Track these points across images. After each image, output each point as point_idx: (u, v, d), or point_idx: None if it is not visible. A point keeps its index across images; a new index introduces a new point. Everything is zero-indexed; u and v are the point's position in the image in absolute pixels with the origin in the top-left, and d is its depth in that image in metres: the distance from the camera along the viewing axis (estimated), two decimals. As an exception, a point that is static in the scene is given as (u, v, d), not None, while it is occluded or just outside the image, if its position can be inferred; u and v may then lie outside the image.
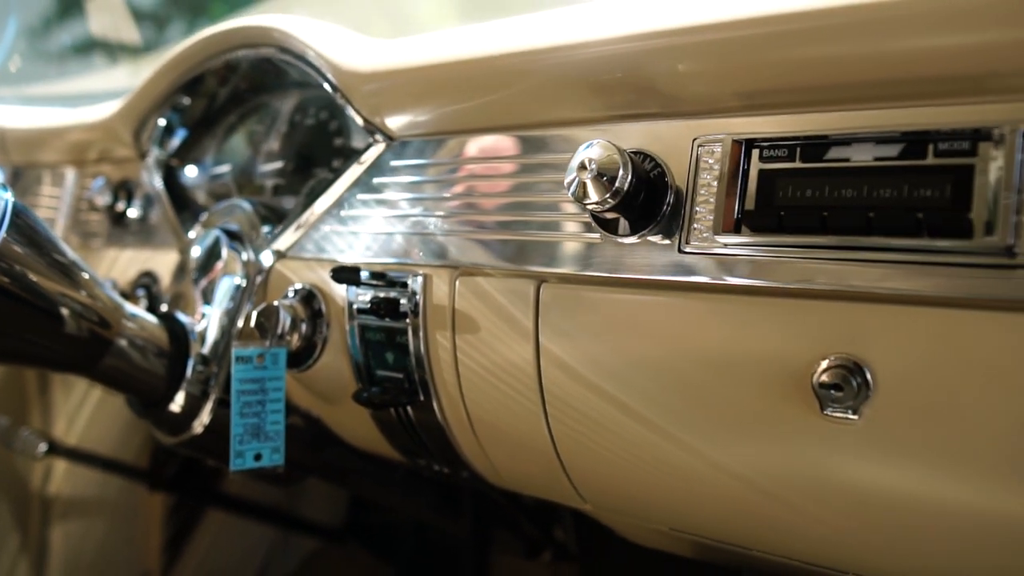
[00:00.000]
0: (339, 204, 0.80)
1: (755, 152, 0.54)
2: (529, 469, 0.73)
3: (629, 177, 0.56)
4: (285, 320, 0.78)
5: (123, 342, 0.81)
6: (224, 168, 1.00)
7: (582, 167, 0.56)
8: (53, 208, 1.17)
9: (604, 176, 0.56)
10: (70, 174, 1.16)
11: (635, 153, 0.59)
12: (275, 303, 0.78)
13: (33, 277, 0.74)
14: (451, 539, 1.37)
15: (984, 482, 0.49)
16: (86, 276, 0.79)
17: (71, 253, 0.78)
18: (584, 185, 0.56)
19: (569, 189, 0.57)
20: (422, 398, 0.74)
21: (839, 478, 0.54)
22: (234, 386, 0.76)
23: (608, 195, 0.56)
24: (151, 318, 0.85)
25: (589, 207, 0.57)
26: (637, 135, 0.61)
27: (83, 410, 1.27)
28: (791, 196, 0.53)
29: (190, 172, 1.03)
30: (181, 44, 0.91)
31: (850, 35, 0.51)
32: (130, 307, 0.83)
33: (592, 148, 0.56)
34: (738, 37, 0.54)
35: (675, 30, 0.55)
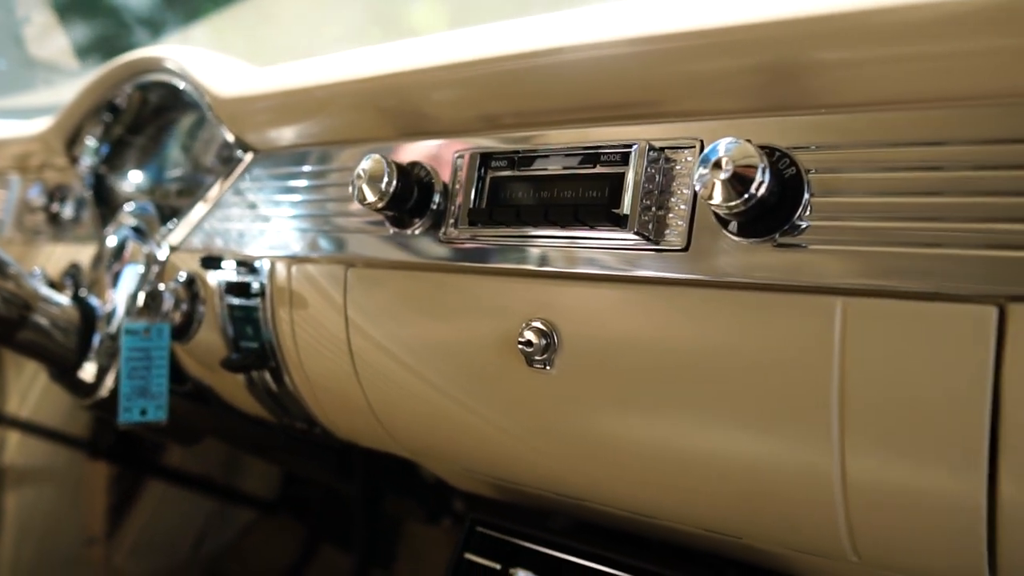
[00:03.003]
0: (217, 206, 0.96)
1: (489, 163, 0.70)
2: (357, 424, 0.88)
3: (394, 182, 0.71)
4: (168, 301, 0.94)
5: (40, 319, 0.97)
6: (142, 174, 1.16)
7: (358, 176, 0.71)
8: (0, 210, 1.35)
9: (375, 182, 0.71)
10: (15, 180, 1.33)
11: (414, 164, 0.74)
12: (160, 287, 0.94)
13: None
14: (382, 512, 1.51)
15: (651, 420, 0.63)
16: (13, 270, 0.96)
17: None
18: (361, 189, 0.72)
19: (353, 194, 0.72)
20: (274, 364, 0.90)
21: (551, 418, 0.68)
22: (123, 353, 0.92)
23: (378, 197, 0.71)
24: (65, 301, 1.01)
25: (366, 206, 0.72)
26: (420, 150, 0.76)
27: (34, 388, 1.44)
28: (508, 197, 0.68)
29: (116, 178, 1.20)
30: (99, 69, 1.08)
31: (550, 73, 0.66)
32: (47, 292, 0.99)
33: (366, 161, 0.71)
34: (470, 76, 0.69)
35: (423, 69, 0.71)
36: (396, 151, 0.77)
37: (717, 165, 0.53)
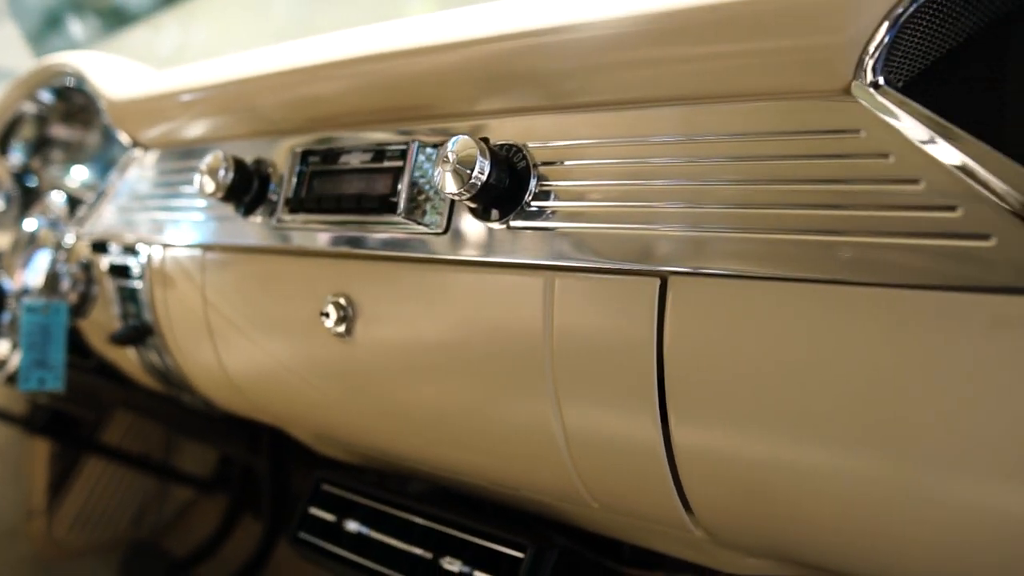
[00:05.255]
0: (114, 197, 1.07)
1: (308, 158, 0.80)
2: (224, 394, 0.98)
3: (230, 175, 0.81)
4: (66, 282, 1.05)
5: (-45, 298, 1.09)
6: (71, 169, 1.28)
7: (200, 170, 0.82)
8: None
9: (213, 174, 0.81)
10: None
11: (258, 160, 0.85)
12: (59, 269, 1.05)
13: None
14: (290, 486, 1.60)
15: (422, 383, 0.72)
16: None
17: None
18: (201, 181, 0.82)
19: (197, 186, 0.83)
20: (155, 340, 1.00)
21: (355, 382, 0.78)
22: (23, 328, 1.03)
23: (216, 187, 0.81)
24: (-19, 282, 1.13)
25: (207, 196, 0.82)
26: (264, 146, 0.86)
27: (-22, 368, 1.55)
28: (318, 189, 0.78)
29: (44, 173, 1.31)
30: (18, 76, 1.19)
31: (340, 83, 0.76)
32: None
33: (208, 156, 0.82)
34: (280, 84, 0.80)
35: (249, 78, 0.81)
36: (250, 149, 0.88)
37: (445, 159, 0.62)
